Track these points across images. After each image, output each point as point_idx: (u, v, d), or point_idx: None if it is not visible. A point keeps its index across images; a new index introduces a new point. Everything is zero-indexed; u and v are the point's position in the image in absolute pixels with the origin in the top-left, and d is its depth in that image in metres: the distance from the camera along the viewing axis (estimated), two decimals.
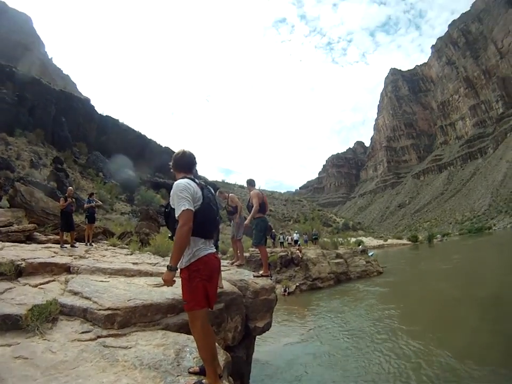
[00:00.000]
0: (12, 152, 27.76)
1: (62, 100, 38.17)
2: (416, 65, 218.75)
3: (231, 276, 4.64)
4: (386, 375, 4.84)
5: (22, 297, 3.06)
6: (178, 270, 2.08)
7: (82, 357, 2.27)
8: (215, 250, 2.26)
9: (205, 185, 2.26)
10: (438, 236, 71.41)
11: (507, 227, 72.76)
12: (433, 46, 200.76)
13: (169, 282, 2.02)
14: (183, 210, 1.96)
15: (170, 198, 2.09)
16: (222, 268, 3.35)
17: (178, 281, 3.39)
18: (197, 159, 2.35)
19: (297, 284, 14.89)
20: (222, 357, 2.54)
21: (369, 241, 50.01)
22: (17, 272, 3.84)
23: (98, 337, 2.61)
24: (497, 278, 13.32)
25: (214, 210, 2.23)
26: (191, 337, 2.53)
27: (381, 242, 62.20)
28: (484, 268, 17.41)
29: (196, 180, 2.21)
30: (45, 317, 2.70)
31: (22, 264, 4.02)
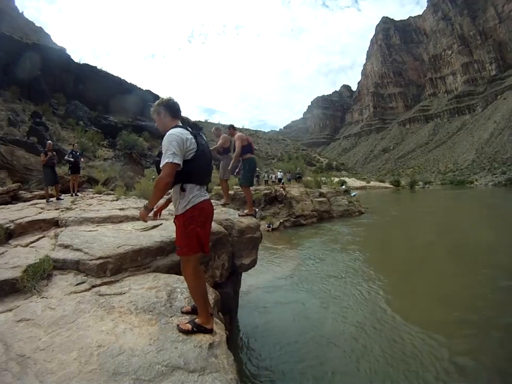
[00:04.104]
0: None
1: (36, 53, 35.84)
2: (409, 16, 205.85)
3: (217, 215, 4.63)
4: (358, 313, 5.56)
5: (15, 259, 3.08)
6: (174, 216, 2.22)
7: (80, 309, 2.37)
8: (209, 196, 2.29)
9: (198, 132, 2.22)
10: (420, 183, 73.64)
11: (488, 184, 73.95)
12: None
13: (143, 218, 2.20)
14: (167, 162, 1.97)
15: (162, 147, 2.05)
16: None
17: (163, 225, 3.44)
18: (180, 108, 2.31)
19: (281, 221, 15.18)
20: (211, 295, 2.71)
21: (352, 182, 51.58)
22: (7, 235, 3.85)
23: (93, 286, 2.72)
24: (472, 230, 13.89)
25: (208, 157, 2.25)
26: (181, 277, 2.66)
27: (363, 183, 64.25)
28: (460, 219, 18.23)
29: (188, 127, 2.17)
30: (40, 275, 2.76)
31: (10, 226, 4.00)
